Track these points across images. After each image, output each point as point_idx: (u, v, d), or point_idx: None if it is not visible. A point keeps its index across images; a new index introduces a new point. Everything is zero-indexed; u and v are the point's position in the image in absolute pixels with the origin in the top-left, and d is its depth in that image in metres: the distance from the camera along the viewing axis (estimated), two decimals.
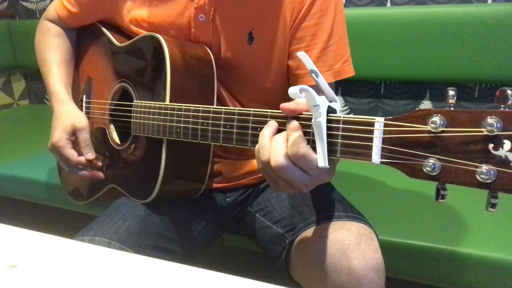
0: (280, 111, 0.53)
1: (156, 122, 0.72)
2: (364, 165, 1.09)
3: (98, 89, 0.92)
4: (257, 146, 0.55)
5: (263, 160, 0.53)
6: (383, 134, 0.43)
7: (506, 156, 0.36)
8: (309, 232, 0.72)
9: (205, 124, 0.64)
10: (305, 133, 0.51)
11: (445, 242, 0.87)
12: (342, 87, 1.58)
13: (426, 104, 1.48)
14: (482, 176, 0.37)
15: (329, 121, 0.48)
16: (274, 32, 0.76)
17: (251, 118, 0.57)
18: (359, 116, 0.46)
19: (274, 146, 0.52)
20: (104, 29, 0.90)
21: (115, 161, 0.85)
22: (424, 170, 0.40)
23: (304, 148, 0.49)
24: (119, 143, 0.85)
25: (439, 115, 0.39)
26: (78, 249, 0.55)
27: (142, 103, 0.75)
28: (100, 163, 0.86)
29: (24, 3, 2.09)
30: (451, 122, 0.39)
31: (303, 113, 0.52)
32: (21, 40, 2.02)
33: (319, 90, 0.50)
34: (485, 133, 0.37)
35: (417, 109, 0.41)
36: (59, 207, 1.31)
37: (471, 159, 0.38)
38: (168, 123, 0.70)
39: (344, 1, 1.51)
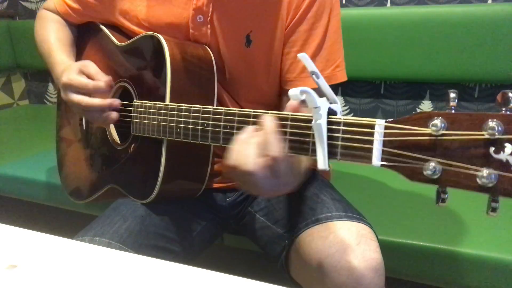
0: (280, 112, 0.53)
1: (156, 122, 0.72)
2: (364, 166, 1.09)
3: None
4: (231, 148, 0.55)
5: (232, 164, 0.53)
6: (384, 137, 0.43)
7: (507, 160, 0.36)
8: (309, 232, 0.72)
9: (205, 124, 0.64)
10: (306, 135, 0.50)
11: (445, 242, 0.87)
12: (342, 87, 1.58)
13: (426, 104, 1.48)
14: (483, 180, 0.37)
15: (329, 123, 0.48)
16: (272, 35, 0.76)
17: (251, 119, 0.56)
18: (360, 118, 0.46)
19: (245, 152, 0.52)
20: (104, 29, 0.89)
21: (115, 161, 0.85)
22: (425, 173, 0.40)
23: (275, 153, 0.50)
24: (119, 143, 0.85)
25: (440, 118, 0.39)
26: (78, 249, 0.55)
27: (142, 103, 0.75)
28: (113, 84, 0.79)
29: (24, 3, 2.08)
30: (452, 125, 0.39)
31: (304, 114, 0.52)
32: (21, 40, 2.02)
33: (320, 92, 0.50)
34: (486, 136, 0.37)
35: (418, 111, 0.41)
36: (59, 207, 1.31)
37: (472, 162, 0.38)
38: (168, 123, 0.70)
39: (344, 1, 1.51)
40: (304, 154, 0.51)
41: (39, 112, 2.07)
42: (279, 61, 0.79)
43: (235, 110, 0.59)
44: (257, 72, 0.80)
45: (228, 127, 0.60)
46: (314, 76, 0.49)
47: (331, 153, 0.48)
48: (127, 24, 0.84)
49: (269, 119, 0.52)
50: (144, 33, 0.79)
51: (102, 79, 0.75)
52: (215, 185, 0.87)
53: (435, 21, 1.29)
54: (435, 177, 0.40)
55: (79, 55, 0.97)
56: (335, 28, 0.77)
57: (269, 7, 0.75)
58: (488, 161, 0.37)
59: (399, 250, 0.89)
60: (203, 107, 0.64)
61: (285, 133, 0.52)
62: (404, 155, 0.42)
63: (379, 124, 0.44)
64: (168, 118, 0.70)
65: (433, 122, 0.39)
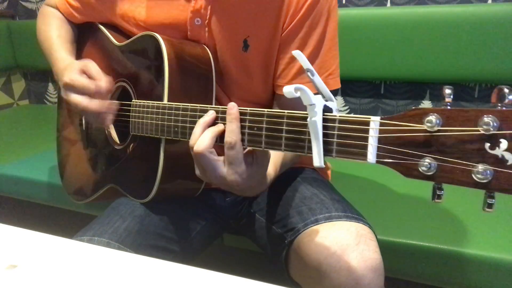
0: (276, 110, 0.53)
1: (154, 122, 0.72)
2: (363, 165, 1.09)
3: None
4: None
5: (190, 145, 0.59)
6: (379, 134, 0.43)
7: (502, 156, 0.36)
8: (308, 232, 0.72)
9: None
10: (302, 133, 0.50)
11: (445, 242, 0.86)
12: (342, 87, 1.58)
13: (426, 104, 1.48)
14: (478, 175, 0.37)
15: (325, 120, 0.48)
16: (269, 40, 0.76)
17: (247, 117, 0.56)
18: (355, 116, 0.45)
19: (204, 135, 0.57)
20: (103, 28, 0.90)
21: (114, 161, 0.85)
22: (420, 169, 0.40)
23: (234, 138, 0.55)
24: (118, 142, 0.86)
25: (435, 114, 0.39)
26: (78, 249, 0.55)
27: (140, 102, 0.75)
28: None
29: (24, 3, 2.09)
30: (447, 121, 0.39)
31: (299, 112, 0.51)
32: (21, 40, 2.03)
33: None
34: (482, 132, 0.37)
35: (413, 108, 0.41)
36: (59, 207, 1.31)
37: (467, 158, 0.37)
38: (166, 123, 0.70)
39: (344, 1, 1.51)
40: (300, 152, 0.51)
41: (39, 112, 2.08)
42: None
43: None
44: (254, 76, 0.80)
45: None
46: (309, 73, 0.49)
47: (327, 150, 0.48)
48: (126, 24, 0.84)
49: (231, 106, 0.56)
50: (142, 32, 0.79)
51: (103, 80, 0.75)
52: (215, 185, 0.86)
53: (435, 21, 1.28)
54: (431, 173, 0.39)
55: (78, 55, 0.97)
56: (331, 36, 0.77)
57: (268, 13, 0.75)
58: (484, 157, 0.37)
59: (399, 250, 0.89)
60: (200, 106, 0.64)
61: (281, 130, 0.52)
62: (399, 152, 0.41)
63: (374, 121, 0.44)
64: (165, 117, 0.70)
65: (428, 119, 0.39)
